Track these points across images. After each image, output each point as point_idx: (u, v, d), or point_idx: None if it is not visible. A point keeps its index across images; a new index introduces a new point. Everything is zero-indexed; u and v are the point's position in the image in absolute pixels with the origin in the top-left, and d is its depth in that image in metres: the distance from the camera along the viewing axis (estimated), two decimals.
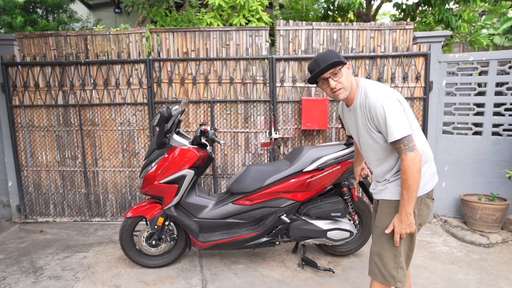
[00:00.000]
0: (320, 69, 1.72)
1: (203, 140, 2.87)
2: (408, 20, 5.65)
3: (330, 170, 2.79)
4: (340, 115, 2.12)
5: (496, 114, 3.79)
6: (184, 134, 3.12)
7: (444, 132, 3.94)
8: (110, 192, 4.14)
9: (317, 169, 2.78)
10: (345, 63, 1.76)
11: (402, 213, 1.71)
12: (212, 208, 2.89)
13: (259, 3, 4.91)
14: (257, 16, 4.82)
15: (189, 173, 2.79)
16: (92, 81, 3.96)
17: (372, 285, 1.84)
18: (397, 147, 1.67)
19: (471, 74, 3.91)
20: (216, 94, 3.94)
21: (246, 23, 4.78)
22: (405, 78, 3.82)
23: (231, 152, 4.03)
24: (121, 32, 3.91)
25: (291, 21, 3.86)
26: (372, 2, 5.64)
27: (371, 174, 2.10)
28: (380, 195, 1.86)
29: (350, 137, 2.95)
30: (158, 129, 2.82)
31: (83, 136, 4.05)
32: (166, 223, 2.90)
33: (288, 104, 3.93)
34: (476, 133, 3.94)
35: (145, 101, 3.96)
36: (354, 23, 3.84)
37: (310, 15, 6.58)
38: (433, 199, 1.87)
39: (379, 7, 5.86)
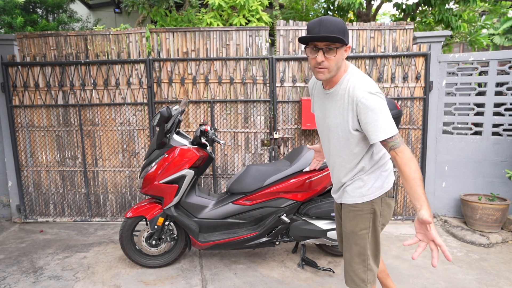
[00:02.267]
0: (319, 36, 1.49)
1: (203, 140, 2.87)
2: (408, 20, 5.65)
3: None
4: (310, 92, 1.92)
5: (496, 114, 3.79)
6: (184, 134, 3.12)
7: (444, 132, 3.94)
8: (110, 192, 4.14)
9: (317, 169, 2.78)
10: (347, 44, 1.57)
11: (429, 214, 1.43)
12: (212, 208, 2.90)
13: (259, 3, 4.91)
14: (257, 16, 4.82)
15: (189, 173, 2.79)
16: (92, 81, 3.96)
17: None
18: (387, 144, 1.54)
19: (471, 74, 3.91)
20: (216, 94, 3.94)
21: (246, 23, 4.78)
22: (405, 78, 3.82)
23: (231, 152, 4.03)
24: (121, 32, 3.91)
25: (291, 21, 3.86)
26: (372, 2, 5.64)
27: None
28: (341, 199, 1.80)
29: None
30: (158, 129, 2.82)
31: (83, 136, 4.05)
32: (166, 223, 2.90)
33: (288, 104, 3.93)
34: (476, 133, 3.94)
35: (145, 101, 3.96)
36: (354, 23, 3.84)
37: (310, 15, 6.59)
38: (393, 196, 1.81)
39: (379, 7, 5.86)
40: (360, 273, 1.76)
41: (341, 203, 1.84)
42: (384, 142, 1.54)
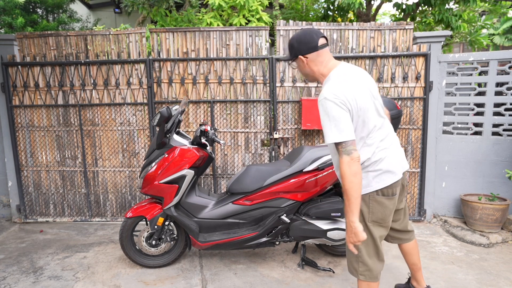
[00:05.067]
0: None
1: (203, 140, 2.87)
2: (408, 20, 5.65)
3: (330, 170, 2.79)
4: None
5: (496, 114, 3.79)
6: (184, 134, 3.12)
7: (444, 132, 3.94)
8: (110, 192, 4.14)
9: (317, 169, 2.78)
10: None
11: (346, 222, 1.74)
12: (212, 208, 2.89)
13: (259, 3, 4.91)
14: (257, 16, 4.82)
15: (189, 173, 2.79)
16: (92, 81, 3.96)
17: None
18: (336, 148, 1.72)
19: (471, 74, 3.91)
20: (216, 94, 3.94)
21: (246, 23, 4.78)
22: (405, 78, 3.82)
23: (231, 152, 4.03)
24: (121, 32, 3.91)
25: (291, 21, 3.86)
26: (372, 2, 5.64)
27: None
28: None
29: None
30: (158, 129, 2.82)
31: (83, 136, 4.05)
32: (166, 223, 2.90)
33: (288, 104, 3.93)
34: (476, 133, 3.94)
35: (145, 101, 3.96)
36: (354, 23, 3.84)
37: (310, 15, 6.59)
38: (393, 195, 1.86)
39: (379, 7, 5.86)
40: (353, 262, 1.95)
41: None
42: (337, 146, 1.70)
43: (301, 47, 1.80)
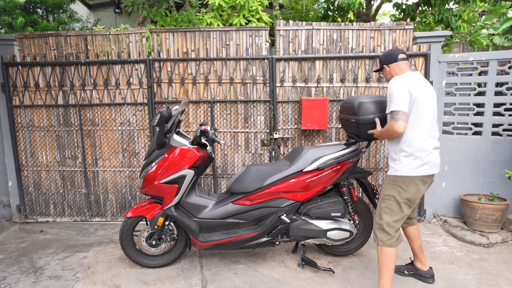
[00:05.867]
0: (375, 70, 2.67)
1: (203, 140, 2.87)
2: (408, 20, 5.66)
3: (330, 170, 2.79)
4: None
5: (496, 114, 3.79)
6: (184, 134, 3.12)
7: (444, 132, 3.94)
8: (110, 192, 4.14)
9: (317, 169, 2.78)
10: (382, 69, 2.53)
11: (379, 132, 2.47)
12: (212, 208, 2.90)
13: (259, 3, 4.91)
14: (257, 16, 4.82)
15: (189, 173, 2.79)
16: (92, 81, 3.96)
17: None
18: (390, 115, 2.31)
19: (471, 74, 3.91)
20: (216, 94, 3.94)
21: (246, 23, 4.78)
22: None
23: (231, 152, 4.03)
24: (121, 32, 3.92)
25: (291, 21, 3.86)
26: (372, 2, 5.64)
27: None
28: (389, 171, 2.43)
29: (350, 137, 2.96)
30: (158, 129, 2.83)
31: (83, 136, 4.05)
32: (166, 223, 2.90)
33: (288, 104, 3.93)
34: (476, 133, 3.94)
35: (145, 101, 3.97)
36: (354, 23, 3.85)
37: (310, 15, 6.59)
38: (427, 184, 2.38)
39: (379, 7, 5.86)
40: (375, 228, 2.42)
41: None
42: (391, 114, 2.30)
43: (386, 59, 2.48)
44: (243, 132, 3.99)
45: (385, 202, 2.38)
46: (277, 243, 2.89)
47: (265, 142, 4.02)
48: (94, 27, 6.46)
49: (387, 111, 2.33)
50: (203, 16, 4.95)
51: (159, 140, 2.78)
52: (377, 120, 2.54)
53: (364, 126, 2.66)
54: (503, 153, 3.77)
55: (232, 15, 4.91)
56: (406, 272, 2.79)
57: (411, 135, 2.29)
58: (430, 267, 2.73)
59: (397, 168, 2.34)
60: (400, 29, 3.80)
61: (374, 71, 2.73)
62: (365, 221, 3.08)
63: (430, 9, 5.45)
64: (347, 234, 2.85)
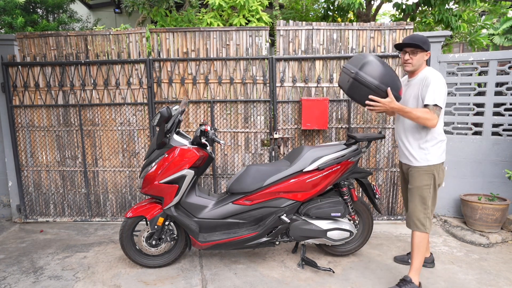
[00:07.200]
0: (405, 42, 2.45)
1: (203, 140, 2.87)
2: (408, 20, 5.66)
3: (330, 170, 2.79)
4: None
5: (496, 114, 3.79)
6: (184, 134, 3.12)
7: (444, 132, 3.92)
8: (110, 192, 4.15)
9: (317, 169, 2.78)
10: (425, 50, 2.42)
11: (399, 107, 2.35)
12: (212, 208, 2.90)
13: (259, 3, 4.91)
14: (257, 16, 4.82)
15: (189, 173, 2.79)
16: (92, 81, 3.96)
17: (412, 235, 2.53)
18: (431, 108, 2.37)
19: (471, 74, 3.92)
20: (216, 94, 3.94)
21: (246, 23, 4.78)
22: None
23: (231, 152, 4.03)
24: (121, 32, 3.92)
25: (291, 21, 3.86)
26: (372, 2, 5.65)
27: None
28: (412, 162, 2.54)
29: (350, 137, 2.96)
30: (158, 129, 2.83)
31: (83, 136, 4.05)
32: (166, 223, 2.90)
33: (288, 104, 3.93)
34: (476, 133, 3.94)
35: (145, 101, 3.97)
36: (354, 23, 3.85)
37: (310, 15, 6.59)
38: (445, 168, 2.60)
39: (379, 7, 5.87)
40: (421, 219, 2.49)
41: (408, 168, 2.62)
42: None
43: (425, 45, 2.42)
44: (243, 132, 3.99)
45: (425, 191, 2.48)
46: (277, 243, 2.89)
47: (265, 142, 4.02)
48: (94, 27, 6.46)
49: (429, 102, 2.34)
50: (203, 16, 4.95)
51: (159, 140, 2.78)
52: (389, 91, 2.30)
53: (359, 85, 2.35)
54: (503, 153, 3.77)
55: (232, 15, 4.91)
56: (409, 261, 2.80)
57: (439, 127, 2.49)
58: (431, 253, 3.00)
59: (428, 158, 2.49)
60: (400, 29, 3.80)
61: (417, 47, 2.41)
62: (365, 221, 3.08)
63: (430, 9, 5.46)
64: (347, 234, 2.85)
